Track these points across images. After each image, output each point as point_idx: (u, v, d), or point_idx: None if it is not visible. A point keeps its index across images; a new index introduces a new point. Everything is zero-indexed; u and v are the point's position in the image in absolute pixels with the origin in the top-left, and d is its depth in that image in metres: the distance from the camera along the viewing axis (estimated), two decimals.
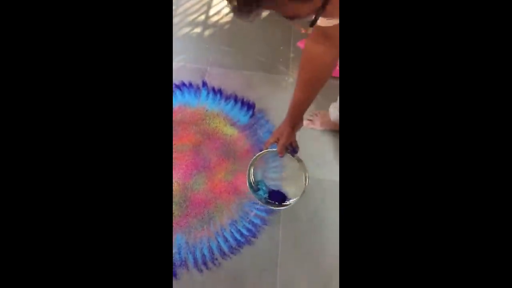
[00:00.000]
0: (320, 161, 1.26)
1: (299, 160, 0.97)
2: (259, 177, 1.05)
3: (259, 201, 1.00)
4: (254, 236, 1.12)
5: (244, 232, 1.13)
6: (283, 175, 1.07)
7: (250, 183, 1.01)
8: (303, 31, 0.50)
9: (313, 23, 0.48)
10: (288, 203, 1.00)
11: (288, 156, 0.96)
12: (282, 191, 1.04)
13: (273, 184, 1.06)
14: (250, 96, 1.40)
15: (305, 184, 0.96)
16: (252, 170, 1.02)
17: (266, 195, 1.02)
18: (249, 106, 1.37)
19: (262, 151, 0.98)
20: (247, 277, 1.06)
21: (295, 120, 0.90)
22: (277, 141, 0.92)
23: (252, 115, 1.35)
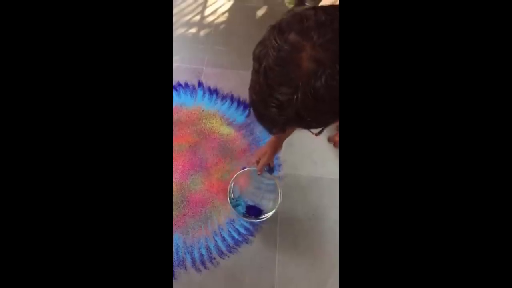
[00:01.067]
0: (318, 159, 1.27)
1: (275, 178, 1.15)
2: (237, 193, 1.16)
3: (239, 215, 1.11)
4: (252, 234, 1.13)
5: (242, 231, 1.13)
6: (261, 192, 1.18)
7: (230, 199, 1.12)
8: (315, 134, 0.57)
9: (320, 132, 0.56)
10: (264, 216, 1.10)
11: (266, 174, 1.14)
12: (258, 206, 1.14)
13: (251, 200, 1.15)
14: (246, 95, 1.40)
15: (279, 200, 1.10)
16: (232, 186, 1.14)
17: (244, 210, 1.12)
18: (245, 105, 1.37)
19: (243, 169, 1.15)
20: (245, 275, 1.06)
21: (277, 146, 1.05)
22: (258, 160, 1.08)
23: (248, 115, 1.35)
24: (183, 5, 1.70)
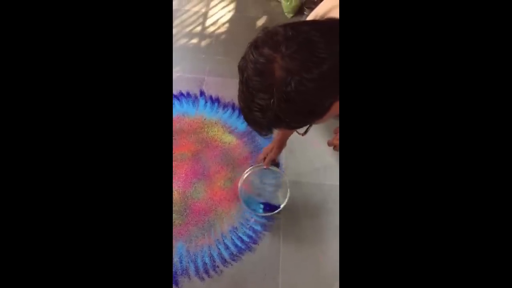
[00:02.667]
0: (319, 166, 1.27)
1: (280, 172, 1.20)
2: (247, 194, 1.19)
3: (259, 213, 1.17)
4: (255, 242, 1.12)
5: (245, 238, 1.13)
6: (269, 187, 1.23)
7: (243, 199, 1.17)
8: (301, 134, 0.63)
9: (305, 132, 0.63)
10: (277, 210, 1.16)
11: (271, 172, 1.20)
12: (270, 202, 1.19)
13: (262, 197, 1.21)
14: None
15: (288, 192, 1.15)
16: (241, 187, 1.17)
17: (261, 208, 1.18)
18: None
19: (250, 168, 1.19)
20: (249, 283, 1.06)
21: (282, 143, 1.13)
22: (265, 156, 1.15)
23: None
24: (184, 16, 1.73)
